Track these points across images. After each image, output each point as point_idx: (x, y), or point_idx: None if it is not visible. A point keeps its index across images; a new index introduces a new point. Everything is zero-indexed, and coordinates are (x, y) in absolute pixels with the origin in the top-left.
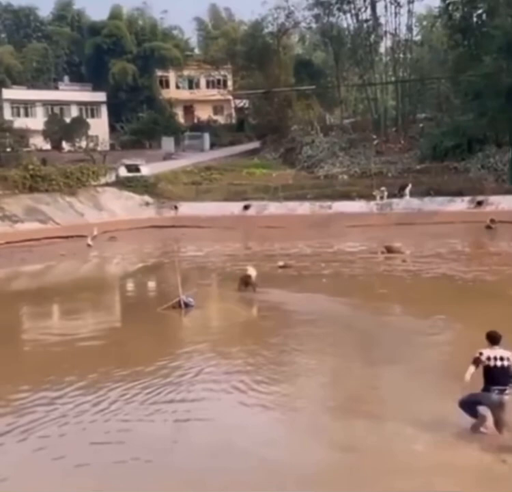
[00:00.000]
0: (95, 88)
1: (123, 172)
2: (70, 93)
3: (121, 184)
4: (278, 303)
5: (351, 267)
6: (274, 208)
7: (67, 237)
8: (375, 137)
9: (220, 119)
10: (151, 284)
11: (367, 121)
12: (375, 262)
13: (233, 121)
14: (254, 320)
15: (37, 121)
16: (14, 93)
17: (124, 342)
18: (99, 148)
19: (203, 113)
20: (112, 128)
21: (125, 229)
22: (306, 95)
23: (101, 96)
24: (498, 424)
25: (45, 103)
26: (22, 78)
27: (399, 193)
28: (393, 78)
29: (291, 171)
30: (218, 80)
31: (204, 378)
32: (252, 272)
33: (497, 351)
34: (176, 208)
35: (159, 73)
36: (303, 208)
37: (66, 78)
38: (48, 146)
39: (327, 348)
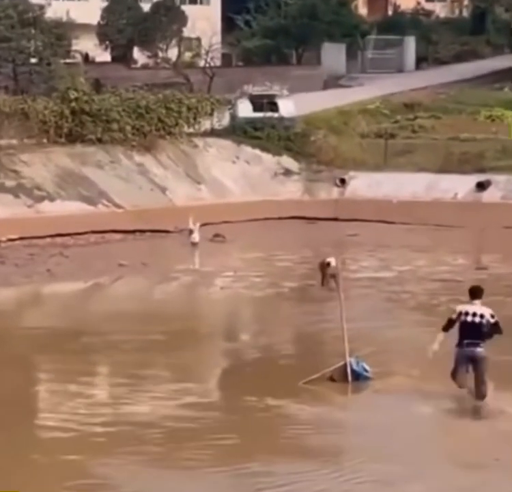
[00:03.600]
0: None
1: (244, 110)
2: None
3: (240, 132)
4: None
5: None
6: None
7: (134, 232)
8: None
9: (439, 8)
10: (288, 332)
11: None
12: None
13: (464, 13)
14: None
15: (88, 7)
16: None
17: (237, 451)
18: (202, 63)
19: None
20: (228, 25)
21: (243, 221)
22: None
23: None
24: (476, 382)
25: None
26: None
27: None
28: None
29: None
30: None
31: None
32: (332, 261)
33: (474, 307)
34: (343, 182)
35: None
36: None
37: None
38: (106, 56)
39: None
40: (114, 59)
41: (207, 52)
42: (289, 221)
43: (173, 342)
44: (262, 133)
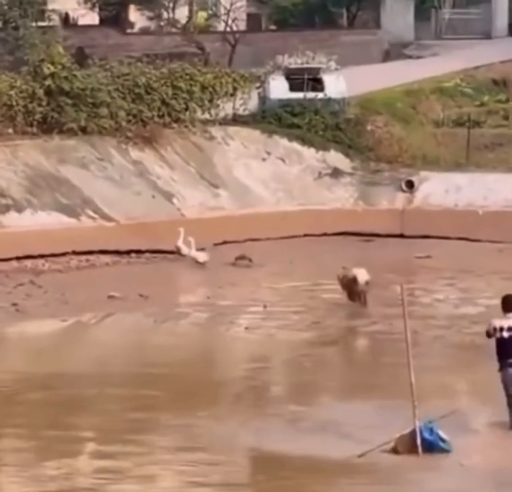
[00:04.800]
0: None
1: (278, 89)
2: None
3: (273, 119)
4: None
5: None
6: None
7: (129, 253)
8: None
9: None
10: (336, 389)
11: None
12: None
13: None
14: None
15: None
16: None
17: None
18: (221, 26)
19: None
20: None
21: (275, 239)
22: None
23: None
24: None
25: None
26: None
27: None
28: None
29: None
30: None
31: None
32: (361, 274)
33: (509, 321)
34: (411, 186)
35: None
36: None
37: None
38: (93, 17)
39: None
40: (103, 21)
41: (228, 12)
42: (338, 239)
43: (180, 401)
44: (302, 120)
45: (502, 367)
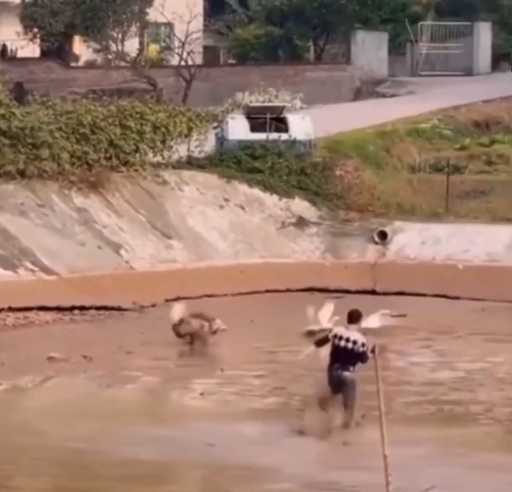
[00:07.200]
0: None
1: (238, 130)
2: None
3: (232, 162)
4: None
5: None
6: None
7: (72, 309)
8: None
9: None
10: (302, 476)
11: None
12: None
13: None
14: None
15: None
16: None
17: None
18: (175, 60)
19: None
20: (215, 4)
21: (234, 294)
22: None
23: None
24: (343, 408)
25: None
26: None
27: None
28: None
29: None
30: None
31: None
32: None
33: (349, 333)
34: (384, 238)
35: None
36: None
37: None
38: (33, 49)
39: None
40: (45, 53)
41: (182, 45)
42: (304, 295)
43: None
44: (264, 164)
45: (330, 368)
